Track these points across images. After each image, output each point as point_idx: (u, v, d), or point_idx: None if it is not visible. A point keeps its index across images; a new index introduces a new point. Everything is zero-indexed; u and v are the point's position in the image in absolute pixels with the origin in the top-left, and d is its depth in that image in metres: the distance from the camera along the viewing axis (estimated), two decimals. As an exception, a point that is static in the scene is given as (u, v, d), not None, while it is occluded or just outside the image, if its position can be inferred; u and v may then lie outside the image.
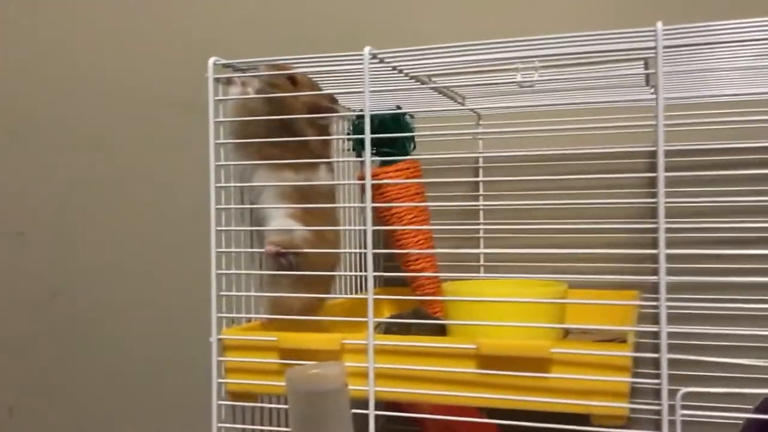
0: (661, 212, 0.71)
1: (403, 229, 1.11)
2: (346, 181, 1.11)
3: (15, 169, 1.55)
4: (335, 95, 0.97)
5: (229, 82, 0.92)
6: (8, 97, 1.55)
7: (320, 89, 0.96)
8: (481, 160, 1.23)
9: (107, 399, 1.48)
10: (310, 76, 0.94)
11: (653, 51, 0.71)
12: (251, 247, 0.92)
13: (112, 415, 1.47)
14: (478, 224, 1.22)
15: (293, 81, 0.92)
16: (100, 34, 1.49)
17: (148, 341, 1.45)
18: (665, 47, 0.71)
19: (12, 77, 1.55)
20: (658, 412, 0.71)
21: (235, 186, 0.91)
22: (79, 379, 1.50)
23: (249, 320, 0.93)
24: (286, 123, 0.90)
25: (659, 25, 0.71)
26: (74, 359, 1.50)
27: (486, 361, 0.77)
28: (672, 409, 0.70)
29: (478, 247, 1.22)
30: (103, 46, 1.48)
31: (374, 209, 1.11)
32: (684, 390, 0.70)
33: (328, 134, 0.97)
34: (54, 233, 1.52)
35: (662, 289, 0.71)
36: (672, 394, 0.71)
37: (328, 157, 0.96)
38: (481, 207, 1.22)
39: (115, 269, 1.47)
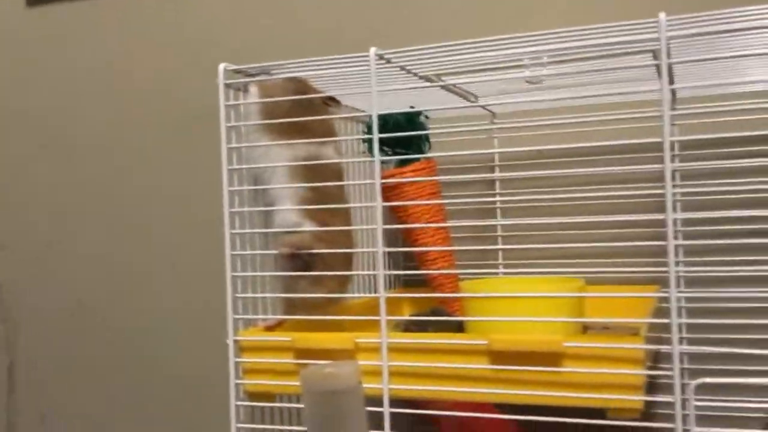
0: (669, 203, 0.70)
1: (420, 227, 1.11)
2: (360, 181, 1.12)
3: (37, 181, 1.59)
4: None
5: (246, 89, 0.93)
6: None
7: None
8: (496, 157, 1.23)
9: (127, 401, 1.51)
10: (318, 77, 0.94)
11: (658, 42, 0.71)
12: (264, 249, 0.93)
13: (131, 415, 1.50)
14: (496, 222, 1.22)
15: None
16: (111, 48, 1.52)
17: (165, 345, 1.48)
18: (670, 38, 0.71)
19: (37, 93, 1.58)
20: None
21: (248, 189, 0.91)
22: (101, 381, 1.53)
23: (265, 321, 0.94)
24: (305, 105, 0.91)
25: (662, 16, 0.71)
26: (97, 363, 1.53)
27: (499, 357, 0.77)
28: (685, 402, 0.69)
29: (496, 245, 1.22)
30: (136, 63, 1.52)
31: (393, 213, 1.12)
32: (697, 381, 0.69)
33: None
34: (73, 243, 1.56)
35: (672, 280, 0.70)
36: (686, 387, 0.70)
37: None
38: (498, 205, 1.22)
39: (133, 277, 1.51)
